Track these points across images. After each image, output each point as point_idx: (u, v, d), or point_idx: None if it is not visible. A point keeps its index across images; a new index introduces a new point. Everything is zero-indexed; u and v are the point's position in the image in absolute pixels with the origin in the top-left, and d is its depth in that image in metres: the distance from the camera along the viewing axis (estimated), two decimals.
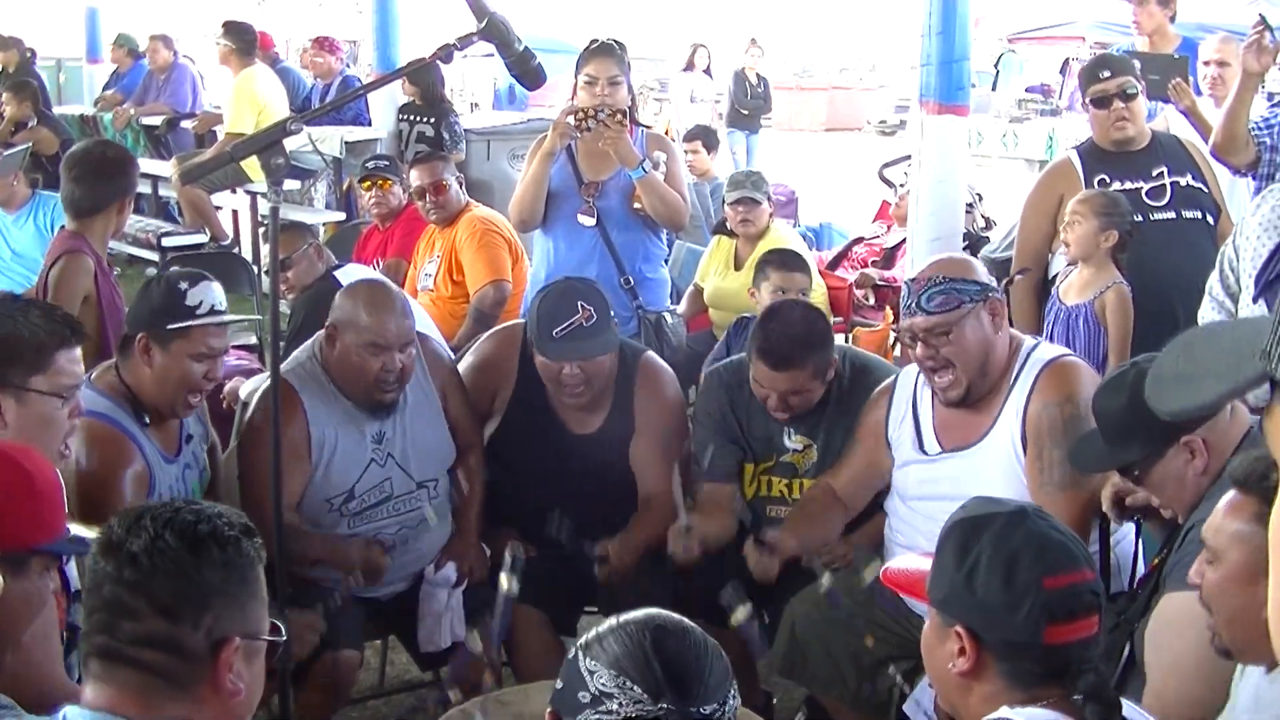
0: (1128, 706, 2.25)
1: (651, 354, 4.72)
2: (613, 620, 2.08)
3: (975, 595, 2.29)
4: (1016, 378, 3.78)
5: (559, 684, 2.05)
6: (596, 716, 1.94)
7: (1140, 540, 3.66)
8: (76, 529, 2.60)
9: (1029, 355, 3.81)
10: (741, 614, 3.76)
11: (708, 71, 17.16)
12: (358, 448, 4.21)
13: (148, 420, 3.86)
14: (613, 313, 4.45)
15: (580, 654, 2.03)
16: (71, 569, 3.13)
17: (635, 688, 1.94)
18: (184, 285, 3.86)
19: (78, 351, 3.19)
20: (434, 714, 3.55)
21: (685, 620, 2.09)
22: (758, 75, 17.18)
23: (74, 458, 3.57)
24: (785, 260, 5.82)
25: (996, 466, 3.79)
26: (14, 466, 2.50)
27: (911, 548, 3.87)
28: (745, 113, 17.09)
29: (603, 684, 1.96)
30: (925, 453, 3.93)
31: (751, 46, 16.93)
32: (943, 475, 3.86)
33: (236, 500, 4.13)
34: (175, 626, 2.07)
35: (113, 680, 2.07)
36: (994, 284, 3.84)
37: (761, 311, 4.47)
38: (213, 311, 3.86)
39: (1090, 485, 3.65)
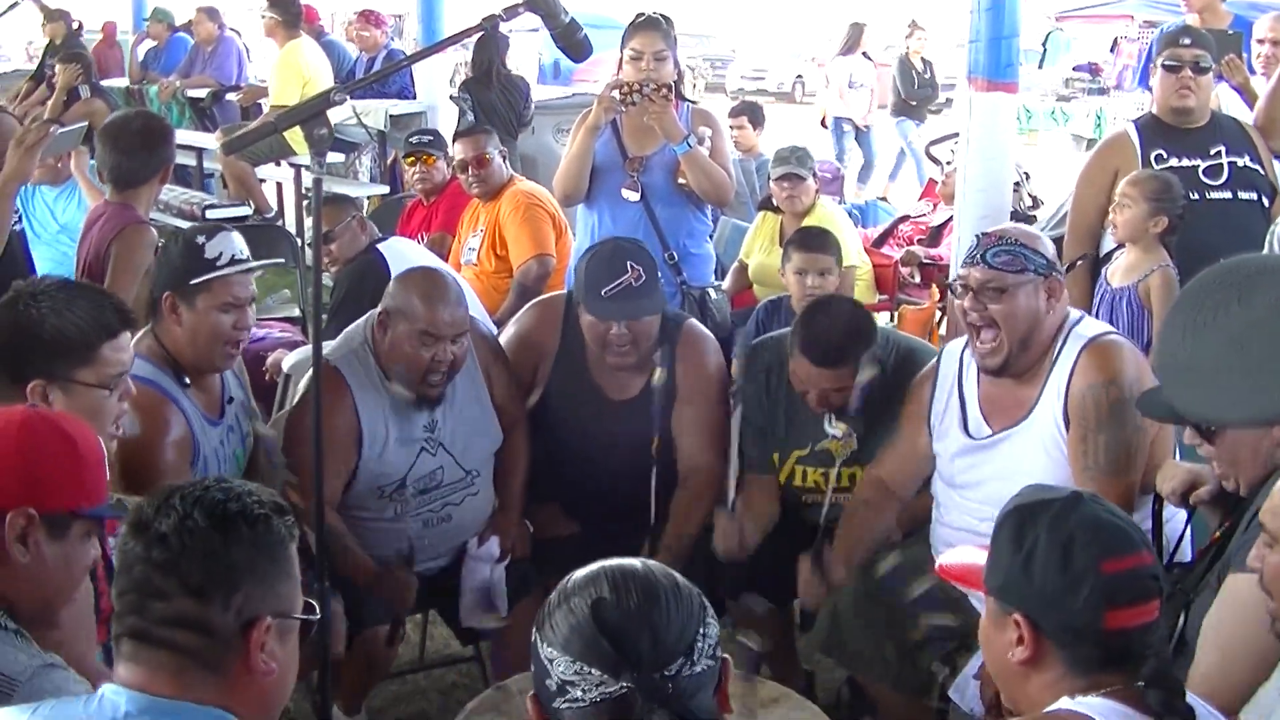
0: (1189, 696, 2.20)
1: (694, 321, 4.70)
2: (559, 591, 2.01)
3: (1033, 582, 2.25)
4: (1059, 353, 3.71)
5: (532, 666, 2.00)
6: (566, 705, 1.90)
7: (1191, 523, 3.61)
8: (120, 497, 2.60)
9: (1071, 330, 3.74)
10: (753, 642, 3.76)
11: (868, 55, 15.79)
12: (410, 436, 4.19)
13: (188, 382, 3.85)
14: (660, 276, 4.42)
15: (538, 638, 1.97)
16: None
17: (592, 670, 1.88)
18: (201, 239, 3.84)
19: (125, 338, 3.18)
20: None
21: (631, 567, 2.00)
22: (923, 60, 15.76)
23: None
24: (807, 240, 5.70)
25: (1040, 446, 3.74)
26: (56, 430, 2.49)
27: (960, 529, 3.85)
28: (913, 102, 15.58)
29: (562, 672, 1.90)
30: (972, 436, 3.87)
31: (915, 29, 15.69)
32: (990, 459, 3.82)
33: (276, 476, 4.12)
34: (205, 607, 2.05)
35: (145, 661, 2.06)
36: (1059, 266, 3.77)
37: (805, 306, 4.41)
38: (233, 261, 3.83)
39: (1136, 471, 3.60)
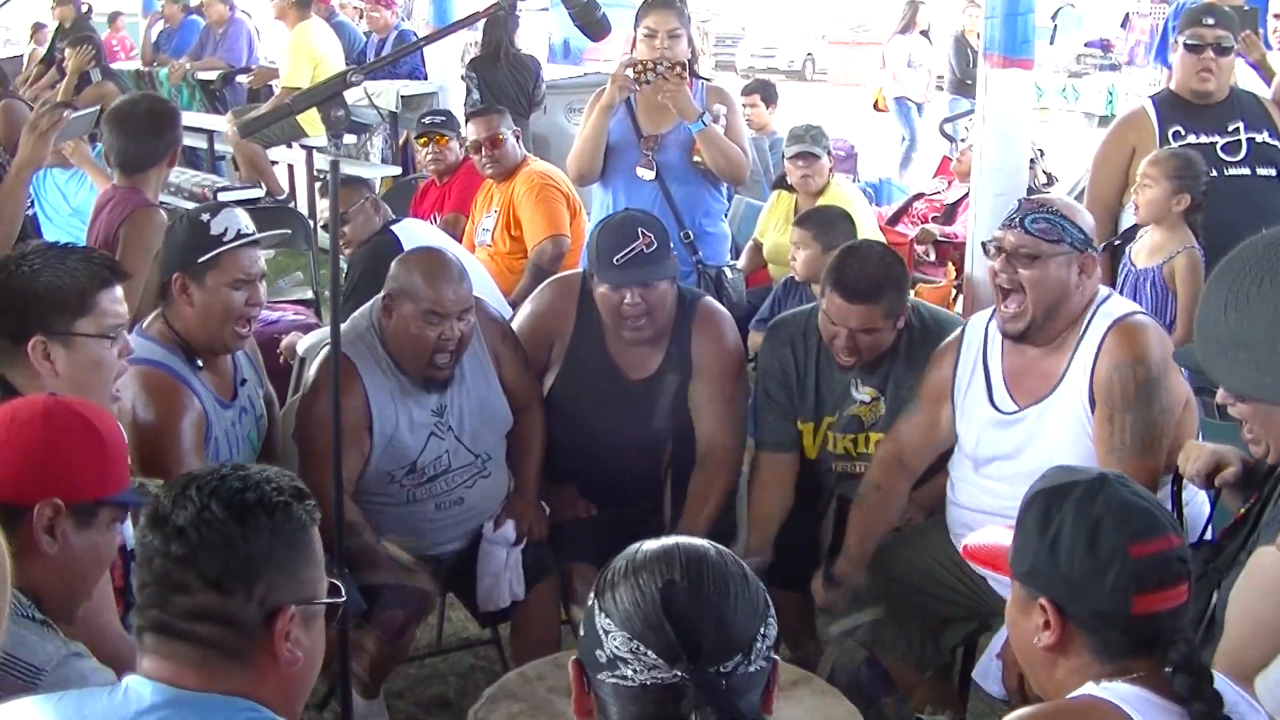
0: (1217, 678, 2.17)
1: (710, 298, 4.67)
2: (626, 560, 1.93)
3: (1059, 566, 2.21)
4: (1086, 329, 3.68)
5: (581, 631, 1.94)
6: (613, 680, 1.84)
7: (1215, 505, 3.59)
8: (142, 481, 2.60)
9: (1100, 307, 3.70)
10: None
11: (926, 34, 15.17)
12: (419, 420, 4.17)
13: (200, 364, 3.83)
14: (672, 246, 4.41)
15: (596, 607, 1.90)
16: (127, 528, 3.12)
17: (649, 653, 1.82)
18: (206, 217, 3.83)
19: (119, 290, 3.17)
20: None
21: (705, 552, 1.93)
22: (979, 36, 14.80)
23: (131, 408, 3.58)
24: (804, 219, 5.72)
25: (1065, 424, 3.71)
26: (79, 420, 2.49)
27: (977, 510, 3.83)
28: (969, 82, 13.87)
29: (616, 647, 1.83)
30: (998, 409, 3.83)
31: (969, 5, 14.70)
32: (1014, 435, 3.79)
33: (294, 457, 4.11)
34: (227, 598, 2.03)
35: (170, 654, 2.04)
36: (1096, 244, 3.75)
37: (842, 247, 4.39)
38: (239, 236, 3.82)
39: (1161, 452, 3.57)
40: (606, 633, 1.85)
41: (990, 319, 3.88)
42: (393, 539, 4.05)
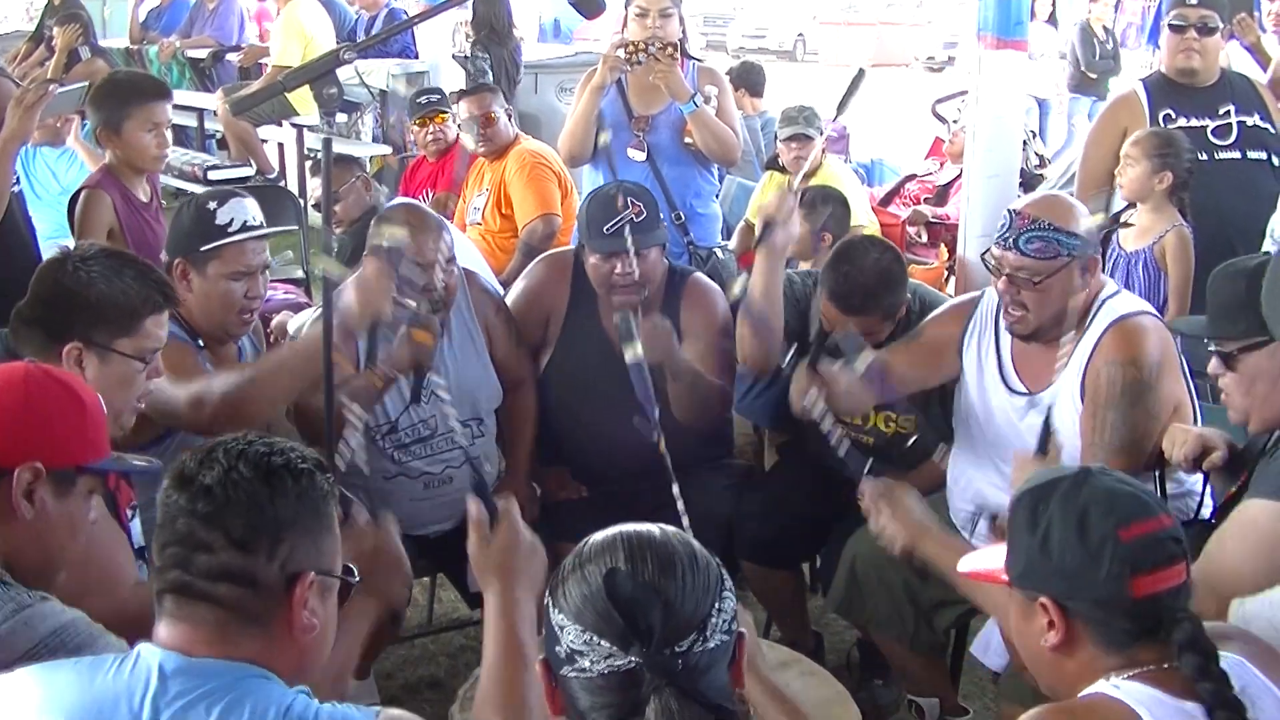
0: (1226, 657, 2.15)
1: (701, 274, 4.68)
2: (574, 555, 1.96)
3: (1053, 561, 2.19)
4: (1089, 325, 3.63)
5: (542, 630, 1.96)
6: (574, 674, 1.85)
7: (1207, 486, 3.59)
8: (119, 455, 2.59)
9: (1104, 303, 3.65)
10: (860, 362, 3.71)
11: (1051, 20, 13.95)
12: (401, 382, 4.16)
13: (203, 345, 3.82)
14: (661, 216, 4.42)
15: (550, 604, 1.93)
16: (135, 527, 3.11)
17: (602, 642, 1.83)
18: (213, 205, 3.81)
19: (165, 315, 3.16)
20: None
21: (649, 535, 1.93)
22: (1105, 28, 13.87)
23: None
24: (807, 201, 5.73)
25: (1059, 414, 3.65)
26: (61, 386, 2.47)
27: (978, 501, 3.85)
28: (1093, 76, 13.60)
29: (572, 641, 1.85)
30: (1010, 388, 3.81)
31: None
32: (1013, 415, 3.77)
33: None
34: (250, 558, 2.04)
35: (188, 617, 2.04)
36: (1095, 239, 3.68)
37: (836, 249, 4.38)
38: (245, 228, 3.80)
39: (1142, 455, 3.55)
40: (561, 628, 1.87)
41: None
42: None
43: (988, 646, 3.71)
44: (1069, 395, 3.65)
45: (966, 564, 2.64)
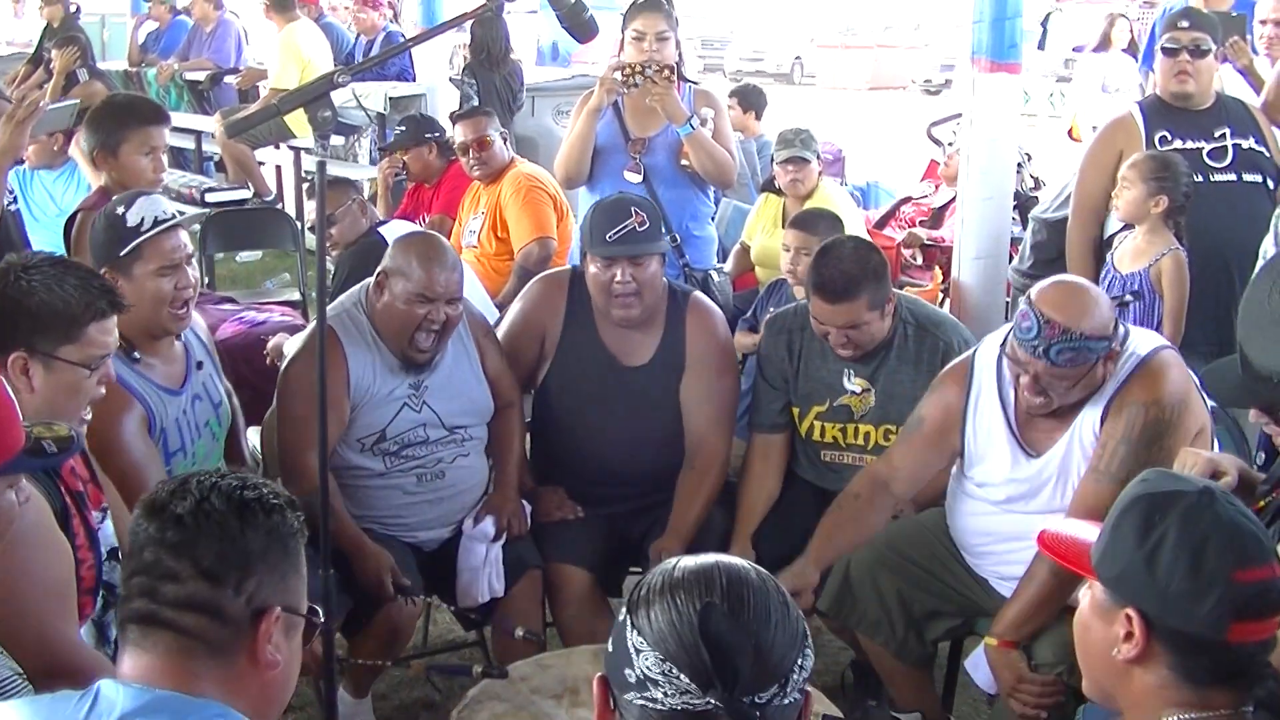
0: None
1: (701, 294, 4.71)
2: (663, 575, 1.85)
3: (1156, 579, 2.09)
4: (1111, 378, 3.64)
5: (609, 647, 1.86)
6: (641, 701, 1.77)
7: None
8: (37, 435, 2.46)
9: (1127, 356, 3.62)
10: None
11: (1130, 50, 13.10)
12: (392, 390, 4.22)
13: (138, 357, 3.81)
14: (663, 228, 4.46)
15: (628, 623, 1.82)
16: (107, 527, 3.11)
17: (681, 676, 1.74)
18: (121, 210, 3.83)
19: (112, 321, 3.15)
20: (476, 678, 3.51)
21: (747, 574, 1.84)
22: None
23: None
24: (800, 220, 5.70)
25: (1074, 469, 3.68)
26: None
27: (985, 533, 3.87)
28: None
29: (648, 667, 1.76)
30: (1019, 443, 3.78)
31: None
32: (1026, 471, 3.76)
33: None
34: (218, 590, 2.02)
35: (152, 647, 2.02)
36: (1119, 331, 3.60)
37: (818, 250, 4.41)
38: (157, 222, 3.81)
39: None
40: (638, 651, 1.78)
41: (1000, 356, 3.78)
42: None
43: (977, 665, 3.72)
44: (1087, 429, 3.64)
45: (1052, 529, 2.46)
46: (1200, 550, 2.07)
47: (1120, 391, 3.59)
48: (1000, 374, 3.80)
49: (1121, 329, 3.63)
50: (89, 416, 3.15)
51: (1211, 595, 2.05)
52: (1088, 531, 2.28)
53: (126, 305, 3.32)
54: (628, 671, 1.79)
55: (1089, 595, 2.24)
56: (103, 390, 3.16)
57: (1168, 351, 3.66)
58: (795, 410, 4.46)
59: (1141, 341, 3.67)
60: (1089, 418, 3.65)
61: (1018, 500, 3.78)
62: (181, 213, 4.05)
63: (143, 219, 3.80)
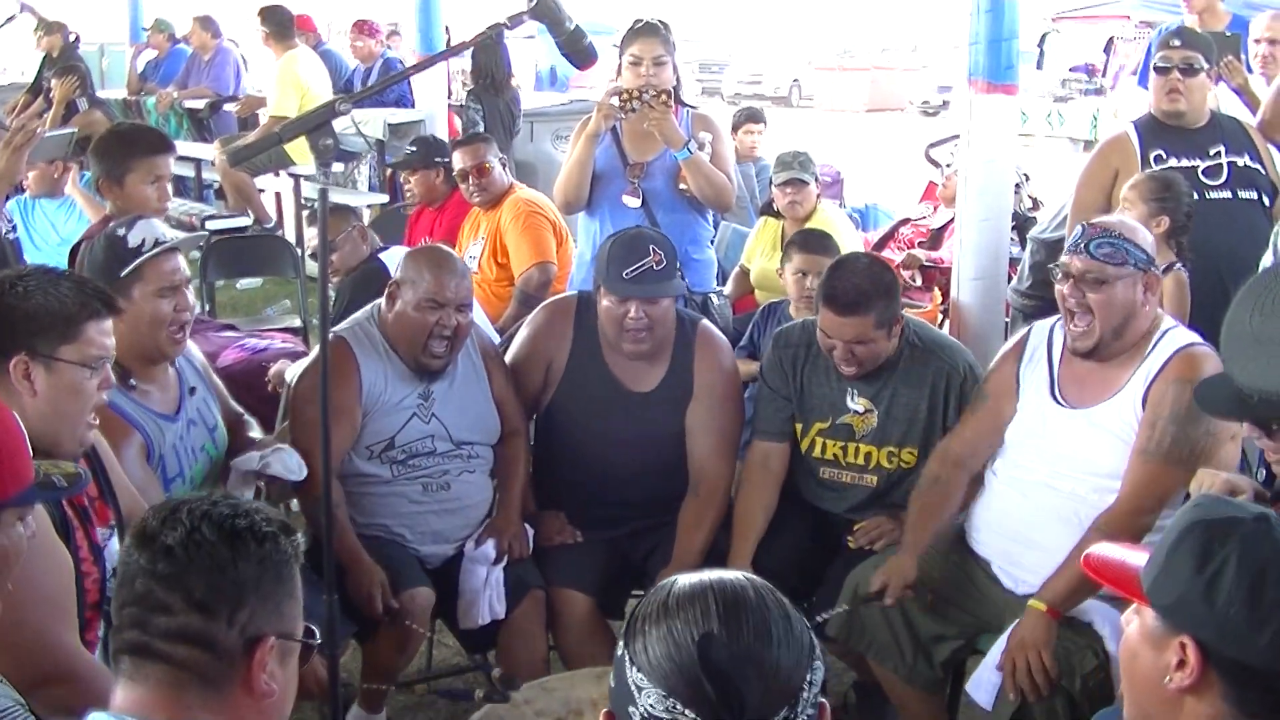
0: None
1: (707, 322, 4.74)
2: (656, 603, 1.80)
3: (1215, 608, 2.02)
4: (1153, 349, 3.76)
5: (612, 682, 1.82)
6: None
7: None
8: (47, 471, 2.44)
9: (1165, 333, 3.79)
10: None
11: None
12: (402, 399, 4.27)
13: (134, 383, 3.83)
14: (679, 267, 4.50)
15: (626, 658, 1.77)
16: (113, 544, 3.11)
17: (687, 712, 1.69)
18: (121, 231, 3.87)
19: (109, 323, 3.17)
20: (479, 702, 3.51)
21: (743, 593, 1.79)
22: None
23: None
24: (808, 241, 5.76)
25: (1112, 431, 3.77)
26: None
27: (996, 522, 3.93)
28: None
29: (651, 705, 1.71)
30: (1054, 399, 3.91)
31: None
32: (1061, 429, 3.86)
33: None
34: (210, 622, 2.01)
35: (144, 679, 2.02)
36: (1158, 263, 3.83)
37: (832, 262, 4.44)
38: (157, 244, 3.85)
39: (1191, 470, 3.53)
40: (640, 689, 1.74)
41: (1054, 324, 3.96)
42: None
43: (980, 684, 3.73)
44: (1129, 407, 3.74)
45: (1098, 552, 2.36)
46: (1260, 579, 2.02)
47: (1163, 371, 3.70)
48: (1050, 341, 3.96)
49: (1168, 319, 3.85)
50: (96, 423, 3.16)
51: (1272, 625, 2.00)
52: (1135, 556, 2.23)
53: (122, 308, 3.35)
54: (632, 710, 1.75)
55: (1137, 622, 2.18)
56: (105, 397, 3.17)
57: (1206, 347, 3.75)
58: (798, 426, 4.47)
59: (1183, 335, 3.81)
60: (1131, 391, 3.74)
61: (1052, 473, 3.84)
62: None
63: (143, 240, 3.84)
